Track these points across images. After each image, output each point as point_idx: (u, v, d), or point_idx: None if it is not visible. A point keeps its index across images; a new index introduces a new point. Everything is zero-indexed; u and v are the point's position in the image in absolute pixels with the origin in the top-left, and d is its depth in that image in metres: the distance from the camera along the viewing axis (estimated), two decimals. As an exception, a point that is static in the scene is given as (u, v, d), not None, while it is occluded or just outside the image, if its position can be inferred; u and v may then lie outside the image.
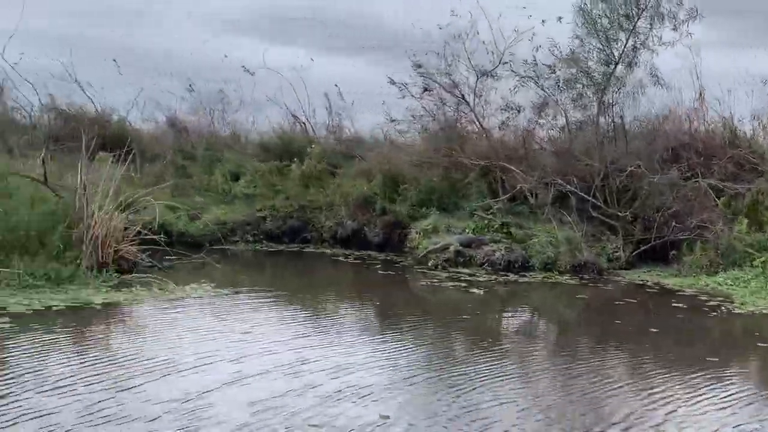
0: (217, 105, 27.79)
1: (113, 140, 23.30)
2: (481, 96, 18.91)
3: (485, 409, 7.24)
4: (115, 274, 13.56)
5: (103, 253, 14.03)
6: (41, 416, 6.49)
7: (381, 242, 19.32)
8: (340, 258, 18.07)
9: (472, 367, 8.73)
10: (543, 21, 18.49)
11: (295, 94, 26.58)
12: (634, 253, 17.33)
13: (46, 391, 7.23)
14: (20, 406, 6.72)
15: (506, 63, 18.60)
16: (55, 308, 10.89)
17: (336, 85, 26.35)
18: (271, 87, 26.51)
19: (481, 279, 15.01)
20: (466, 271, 15.89)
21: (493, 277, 15.33)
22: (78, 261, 13.70)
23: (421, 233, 17.92)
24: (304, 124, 27.69)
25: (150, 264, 14.86)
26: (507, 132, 19.61)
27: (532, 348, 10.53)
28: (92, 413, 6.67)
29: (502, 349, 10.17)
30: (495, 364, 8.96)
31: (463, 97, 18.96)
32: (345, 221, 20.03)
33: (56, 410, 6.67)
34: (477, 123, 19.30)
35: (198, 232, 19.04)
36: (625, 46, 18.35)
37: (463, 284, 14.44)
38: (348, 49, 40.13)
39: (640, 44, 18.37)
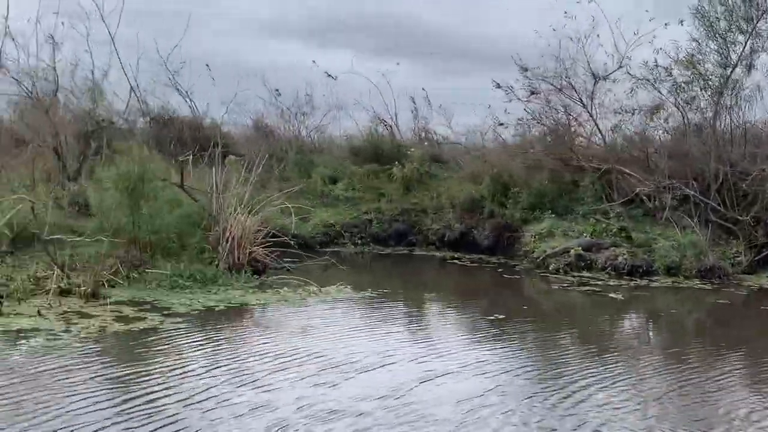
0: (302, 109, 28.04)
1: (208, 143, 23.91)
2: (594, 99, 18.73)
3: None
4: (254, 276, 13.84)
5: (239, 255, 14.36)
6: (266, 411, 6.68)
7: (490, 245, 19.28)
8: (456, 261, 18.10)
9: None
10: (666, 24, 18.35)
11: (382, 98, 27.03)
12: (756, 258, 16.97)
13: (246, 385, 7.44)
14: (232, 401, 6.93)
15: (622, 65, 18.45)
16: (216, 308, 11.16)
17: (423, 89, 26.62)
18: (354, 92, 26.93)
19: (611, 283, 14.87)
20: (588, 275, 15.75)
21: (621, 281, 15.15)
22: (216, 262, 14.06)
23: (536, 237, 17.85)
24: (390, 127, 28.06)
25: (279, 266, 15.12)
26: (620, 135, 19.42)
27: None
28: (302, 407, 6.84)
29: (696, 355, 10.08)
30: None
31: (581, 100, 18.83)
32: (452, 224, 20.08)
33: (271, 404, 6.86)
34: (595, 126, 19.15)
35: (308, 234, 19.29)
36: (743, 49, 18.03)
37: (596, 289, 14.32)
38: (413, 54, 40.56)
39: (759, 47, 18.02)
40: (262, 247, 14.77)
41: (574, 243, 16.72)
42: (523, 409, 7.04)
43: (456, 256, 18.84)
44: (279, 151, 26.04)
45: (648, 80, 18.26)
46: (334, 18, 40.92)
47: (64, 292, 11.54)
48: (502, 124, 20.98)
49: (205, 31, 36.97)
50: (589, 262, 16.35)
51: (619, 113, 19.02)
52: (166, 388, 7.20)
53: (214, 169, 14.88)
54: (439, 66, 41.24)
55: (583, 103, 18.80)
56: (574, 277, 15.58)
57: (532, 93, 20.54)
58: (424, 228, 20.58)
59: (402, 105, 26.93)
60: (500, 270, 16.74)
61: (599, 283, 14.94)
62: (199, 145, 21.98)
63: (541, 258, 16.87)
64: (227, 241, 14.16)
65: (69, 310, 10.55)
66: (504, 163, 19.82)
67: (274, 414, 6.66)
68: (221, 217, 14.38)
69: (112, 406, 6.62)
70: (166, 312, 10.62)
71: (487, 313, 11.52)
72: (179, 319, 10.25)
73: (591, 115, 18.85)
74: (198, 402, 6.86)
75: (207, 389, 7.23)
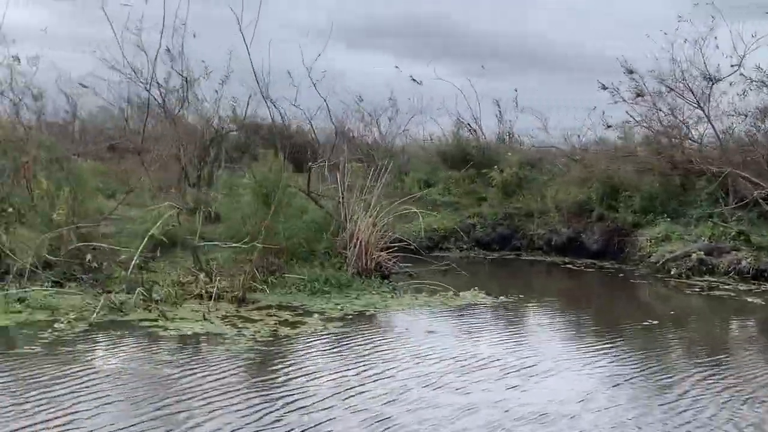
0: (385, 114, 28.12)
1: (297, 149, 24.23)
2: (710, 101, 18.49)
3: None
4: (383, 281, 14.01)
5: (366, 260, 14.56)
6: (472, 413, 6.80)
7: (599, 250, 19.13)
8: (570, 266, 18.02)
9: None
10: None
11: (466, 102, 27.05)
12: None
13: (440, 387, 7.57)
14: (435, 402, 7.06)
15: (735, 66, 18.17)
16: (366, 312, 11.35)
17: (515, 90, 26.56)
18: (437, 97, 26.98)
19: (742, 288, 14.64)
20: (712, 279, 15.54)
21: (749, 286, 14.88)
22: (344, 267, 14.27)
23: (652, 241, 17.67)
24: (474, 131, 28.09)
25: (401, 271, 15.28)
26: (733, 138, 19.10)
27: None
28: (508, 410, 6.92)
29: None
30: None
31: (697, 102, 18.59)
32: (559, 228, 20.00)
33: (475, 406, 6.97)
34: (710, 128, 18.87)
35: (417, 239, 19.37)
36: None
37: (730, 293, 14.13)
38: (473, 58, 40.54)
39: None
40: (386, 253, 14.96)
41: (694, 247, 16.50)
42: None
43: (566, 260, 18.76)
44: (365, 156, 26.29)
45: (764, 82, 17.91)
46: (369, 22, 40.95)
47: (212, 297, 11.87)
48: (610, 127, 20.81)
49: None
50: (711, 266, 16.12)
51: (733, 115, 18.72)
52: (363, 388, 7.39)
53: (338, 175, 15.15)
54: (474, 68, 41.20)
55: (700, 106, 18.53)
56: (697, 281, 15.38)
57: (638, 95, 20.34)
58: (529, 232, 20.52)
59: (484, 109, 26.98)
60: (621, 275, 16.60)
61: (727, 287, 14.71)
62: (290, 151, 22.47)
63: (660, 262, 16.68)
64: (354, 246, 14.39)
65: (227, 314, 10.83)
66: (612, 165, 19.66)
67: (481, 415, 6.76)
68: (348, 223, 14.62)
69: (322, 399, 6.82)
70: (322, 316, 10.81)
71: (636, 320, 11.44)
72: (339, 323, 10.45)
73: (708, 118, 18.57)
74: (403, 402, 7.01)
75: (405, 391, 7.38)
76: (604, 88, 20.52)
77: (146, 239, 12.18)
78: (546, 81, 38.08)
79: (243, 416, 6.50)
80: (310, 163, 15.82)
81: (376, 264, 14.62)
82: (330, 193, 15.74)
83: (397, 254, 15.02)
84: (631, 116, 20.76)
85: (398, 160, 25.44)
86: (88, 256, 11.99)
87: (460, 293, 12.99)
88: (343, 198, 14.88)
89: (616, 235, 19.11)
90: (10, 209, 13.43)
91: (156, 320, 10.36)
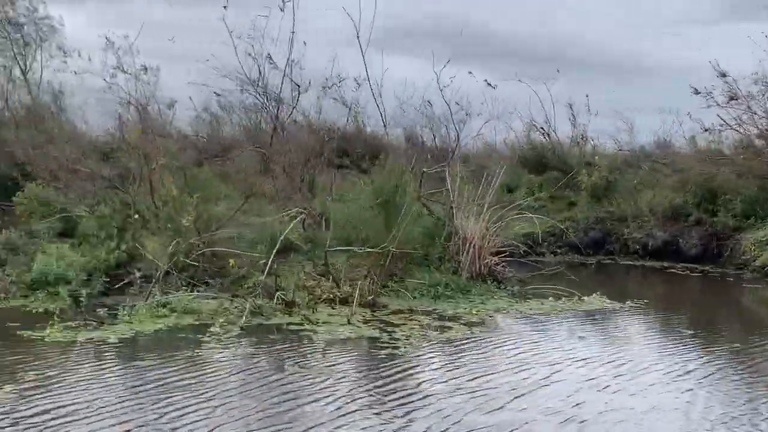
0: (454, 118, 28.06)
1: (371, 153, 24.40)
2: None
3: None
4: (500, 285, 14.11)
5: (479, 265, 14.67)
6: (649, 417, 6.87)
7: (697, 254, 19.00)
8: (673, 271, 17.92)
9: None
10: None
11: (541, 105, 27.01)
12: None
13: (616, 392, 7.64)
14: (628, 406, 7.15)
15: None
16: (499, 317, 11.48)
17: (586, 96, 26.50)
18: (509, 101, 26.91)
19: None
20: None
21: None
22: (459, 272, 14.40)
23: (757, 245, 17.50)
24: (548, 135, 28.02)
25: (512, 275, 15.33)
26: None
27: None
28: (688, 414, 6.97)
29: None
30: None
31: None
32: (654, 232, 19.89)
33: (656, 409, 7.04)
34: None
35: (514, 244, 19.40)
36: None
37: None
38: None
39: None
40: (497, 257, 15.05)
41: (806, 250, 16.34)
42: None
43: (665, 265, 18.66)
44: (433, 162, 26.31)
45: None
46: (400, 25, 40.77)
47: (338, 301, 12.10)
48: (707, 130, 20.63)
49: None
50: (823, 269, 15.94)
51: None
52: (543, 391, 7.50)
53: (449, 180, 15.32)
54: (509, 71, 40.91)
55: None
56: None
57: (732, 98, 20.17)
58: (622, 236, 20.43)
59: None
60: (729, 279, 16.47)
61: None
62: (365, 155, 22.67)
63: (768, 267, 16.54)
64: (467, 251, 14.52)
65: (365, 318, 11.02)
66: (707, 169, 19.51)
67: (669, 418, 6.83)
68: (461, 228, 14.74)
69: (511, 400, 6.96)
70: (462, 321, 10.95)
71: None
72: (482, 327, 10.59)
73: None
74: (588, 405, 7.10)
75: (585, 394, 7.47)
76: (697, 92, 20.38)
77: (278, 244, 12.42)
78: (621, 83, 37.69)
79: (445, 416, 6.65)
80: (423, 169, 15.93)
81: (488, 269, 14.74)
82: (436, 198, 15.89)
83: (505, 259, 15.09)
84: (723, 120, 20.61)
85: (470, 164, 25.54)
86: (231, 261, 12.24)
87: (587, 298, 13.01)
88: (454, 203, 15.02)
89: (715, 239, 18.97)
90: (136, 215, 13.83)
91: (301, 324, 10.59)
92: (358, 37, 19.47)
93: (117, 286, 12.53)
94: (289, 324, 10.62)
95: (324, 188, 18.35)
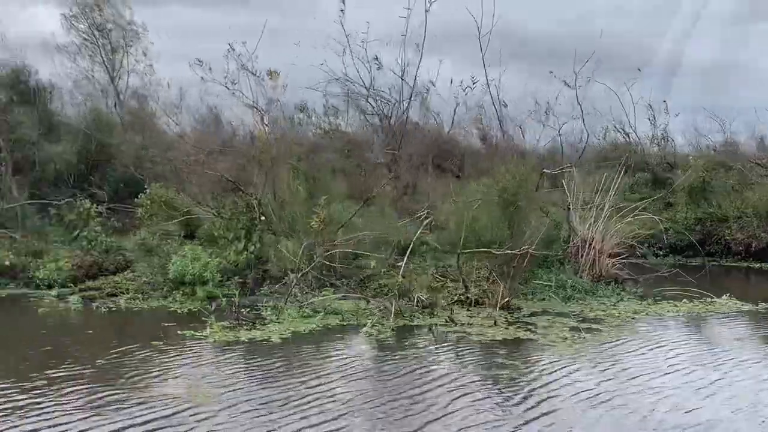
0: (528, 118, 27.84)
1: (447, 154, 24.42)
2: None
3: None
4: (623, 287, 14.06)
5: (600, 266, 14.65)
6: None
7: (804, 255, 18.68)
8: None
9: None
10: None
11: (621, 105, 26.63)
12: None
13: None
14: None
15: None
16: (642, 320, 11.47)
17: (664, 101, 26.14)
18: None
19: None
20: None
21: None
22: (578, 274, 14.38)
23: None
24: (628, 135, 27.68)
25: (629, 277, 15.22)
26: None
27: None
28: None
29: None
30: None
31: None
32: (758, 233, 19.58)
33: None
34: None
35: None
36: None
37: None
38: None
39: None
40: (615, 259, 14.96)
41: None
42: None
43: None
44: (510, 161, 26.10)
45: None
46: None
47: (467, 303, 12.22)
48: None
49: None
50: None
51: None
52: (730, 391, 7.51)
53: (566, 181, 15.31)
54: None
55: None
56: None
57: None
58: (723, 237, 20.14)
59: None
60: None
61: None
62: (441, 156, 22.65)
63: None
64: (587, 253, 14.51)
65: (510, 320, 11.10)
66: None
67: None
68: (581, 229, 14.74)
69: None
70: (606, 323, 10.97)
71: None
72: (627, 330, 10.58)
73: None
74: None
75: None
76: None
77: (411, 246, 12.58)
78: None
79: (644, 417, 6.72)
80: (543, 170, 15.93)
81: (607, 270, 14.71)
82: (552, 199, 15.91)
83: (622, 260, 15.00)
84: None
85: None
86: (372, 263, 12.42)
87: (719, 300, 12.91)
88: (572, 205, 15.02)
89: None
90: (263, 217, 14.11)
91: (446, 325, 10.73)
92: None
93: (251, 286, 12.88)
94: (434, 325, 10.76)
95: (422, 191, 18.55)
